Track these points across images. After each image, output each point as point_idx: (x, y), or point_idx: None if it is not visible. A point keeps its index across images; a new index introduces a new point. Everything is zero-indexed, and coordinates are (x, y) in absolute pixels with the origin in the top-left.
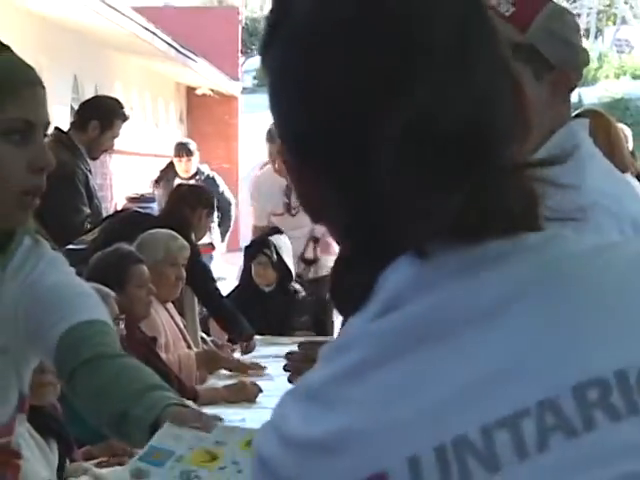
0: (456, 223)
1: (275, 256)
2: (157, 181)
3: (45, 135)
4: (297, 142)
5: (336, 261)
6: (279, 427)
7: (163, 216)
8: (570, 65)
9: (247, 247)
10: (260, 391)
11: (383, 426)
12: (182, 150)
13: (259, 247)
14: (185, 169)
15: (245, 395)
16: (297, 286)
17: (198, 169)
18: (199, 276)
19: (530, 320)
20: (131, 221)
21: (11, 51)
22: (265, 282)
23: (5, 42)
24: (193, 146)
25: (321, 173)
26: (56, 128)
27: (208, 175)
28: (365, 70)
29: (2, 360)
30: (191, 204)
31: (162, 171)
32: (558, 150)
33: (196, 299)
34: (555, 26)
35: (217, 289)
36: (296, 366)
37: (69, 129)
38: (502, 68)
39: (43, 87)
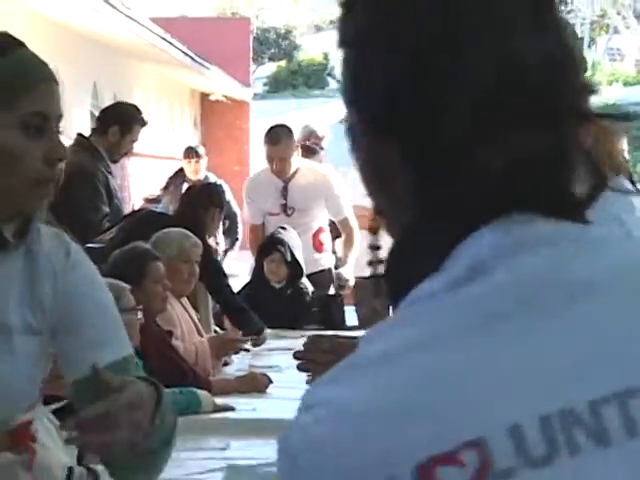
0: (535, 192)
1: (289, 253)
2: (165, 187)
3: (58, 128)
4: (376, 108)
5: (396, 241)
6: (331, 403)
7: (177, 216)
8: None
9: (261, 245)
10: (270, 382)
11: (478, 392)
12: (191, 152)
13: (274, 244)
14: (194, 170)
15: (256, 386)
16: (306, 282)
17: (206, 176)
18: (212, 273)
19: (630, 301)
20: (147, 220)
21: (25, 47)
22: (277, 279)
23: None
24: (202, 150)
25: (400, 140)
26: (78, 134)
27: (216, 183)
28: (454, 20)
29: (35, 341)
30: (204, 204)
31: (170, 178)
32: None
33: (209, 295)
34: None
35: (229, 286)
36: (310, 361)
37: (91, 134)
38: (568, 32)
39: (57, 82)
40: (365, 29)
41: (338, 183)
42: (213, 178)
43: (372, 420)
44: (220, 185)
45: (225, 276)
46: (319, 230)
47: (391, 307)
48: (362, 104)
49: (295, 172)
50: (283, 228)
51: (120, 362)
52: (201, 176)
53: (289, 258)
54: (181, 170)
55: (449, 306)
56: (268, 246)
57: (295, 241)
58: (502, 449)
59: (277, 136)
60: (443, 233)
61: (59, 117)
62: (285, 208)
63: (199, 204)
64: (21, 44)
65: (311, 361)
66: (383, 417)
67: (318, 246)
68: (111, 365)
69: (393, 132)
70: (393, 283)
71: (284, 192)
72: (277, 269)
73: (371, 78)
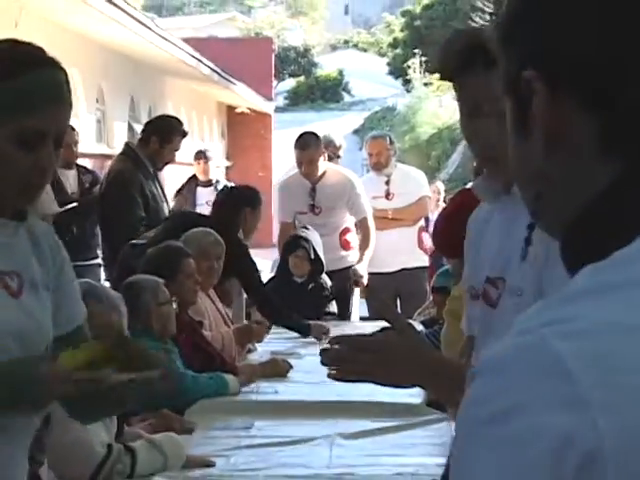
0: None
1: (312, 250)
2: (179, 191)
3: (60, 141)
4: (572, 64)
5: (589, 207)
6: (584, 317)
7: (212, 216)
8: None
9: (286, 242)
10: (290, 367)
11: None
12: (200, 155)
13: (298, 242)
14: (202, 170)
15: (277, 371)
16: (325, 277)
17: (217, 180)
18: (246, 270)
19: None
20: (184, 220)
21: (46, 67)
22: (300, 273)
23: (73, 66)
24: (210, 153)
25: (585, 96)
26: (125, 143)
27: (225, 185)
28: None
29: (49, 297)
30: (234, 204)
31: (184, 184)
32: None
33: (242, 290)
34: None
35: (261, 281)
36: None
37: (136, 144)
38: None
39: (65, 102)
40: None
41: (360, 185)
42: (223, 180)
43: None
44: (240, 186)
45: (258, 273)
46: (346, 229)
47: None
48: (554, 58)
49: (322, 174)
50: (306, 228)
51: (82, 327)
52: (210, 177)
53: (312, 255)
54: (194, 176)
55: None
56: (293, 243)
57: (317, 240)
58: None
59: (306, 142)
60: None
61: (61, 133)
62: (313, 207)
63: (230, 204)
64: (49, 62)
65: (336, 358)
66: None
67: (344, 244)
68: (79, 328)
69: (594, 86)
70: (578, 247)
71: (312, 193)
72: (301, 264)
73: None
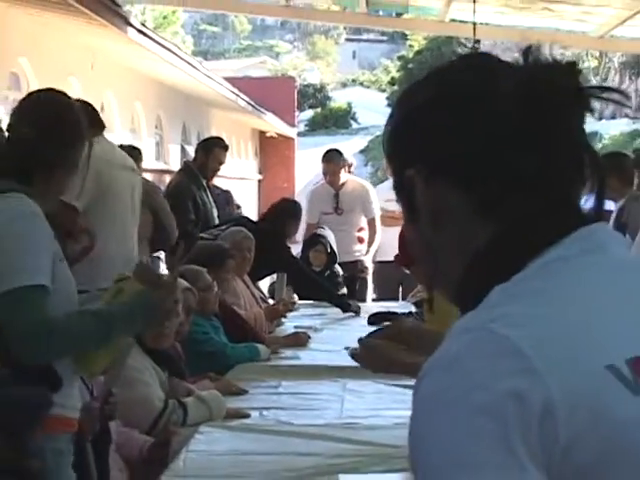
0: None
1: (329, 246)
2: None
3: None
4: (447, 160)
5: (472, 262)
6: (521, 314)
7: (260, 222)
8: None
9: (307, 239)
10: (309, 338)
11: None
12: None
13: (317, 239)
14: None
15: (298, 341)
16: (338, 267)
17: (215, 186)
18: (296, 269)
19: None
20: (237, 224)
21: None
22: (318, 264)
23: (137, 99)
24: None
25: (457, 183)
26: (184, 162)
27: (222, 190)
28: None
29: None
30: (281, 216)
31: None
32: None
33: (285, 281)
34: None
35: (308, 273)
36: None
37: (190, 161)
38: None
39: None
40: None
41: (373, 192)
42: (223, 186)
43: (573, 324)
44: (228, 191)
45: (305, 269)
46: (361, 228)
47: (461, 312)
48: (429, 154)
49: (344, 183)
50: (322, 228)
51: None
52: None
53: (329, 250)
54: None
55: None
56: (314, 240)
57: (332, 237)
58: None
59: (330, 156)
60: (523, 246)
61: None
62: (336, 209)
63: (274, 213)
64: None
65: (364, 356)
66: (581, 322)
67: (359, 239)
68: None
69: (464, 174)
70: (471, 292)
71: (336, 198)
72: (319, 257)
73: (449, 134)
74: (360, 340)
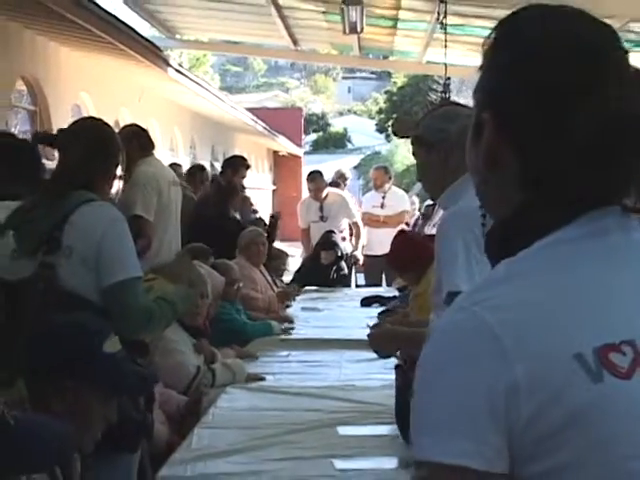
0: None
1: (339, 249)
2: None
3: None
4: (512, 110)
5: (508, 217)
6: (504, 296)
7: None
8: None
9: (321, 241)
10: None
11: (627, 306)
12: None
13: (332, 245)
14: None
15: (288, 295)
16: (343, 263)
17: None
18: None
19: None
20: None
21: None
22: (327, 261)
23: (175, 125)
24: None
25: (520, 135)
26: (212, 175)
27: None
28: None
29: None
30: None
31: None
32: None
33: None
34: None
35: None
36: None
37: (218, 175)
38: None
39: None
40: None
41: (351, 200)
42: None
43: (551, 310)
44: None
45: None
46: (343, 230)
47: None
48: (501, 108)
49: (326, 196)
50: (332, 232)
51: None
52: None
53: (339, 254)
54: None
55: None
56: (328, 243)
57: (339, 239)
58: None
59: (313, 177)
60: (553, 212)
61: None
62: (322, 217)
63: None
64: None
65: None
66: (559, 309)
67: (342, 239)
68: None
69: (520, 129)
70: (503, 246)
71: (320, 208)
72: (330, 256)
73: (517, 91)
74: (371, 326)
